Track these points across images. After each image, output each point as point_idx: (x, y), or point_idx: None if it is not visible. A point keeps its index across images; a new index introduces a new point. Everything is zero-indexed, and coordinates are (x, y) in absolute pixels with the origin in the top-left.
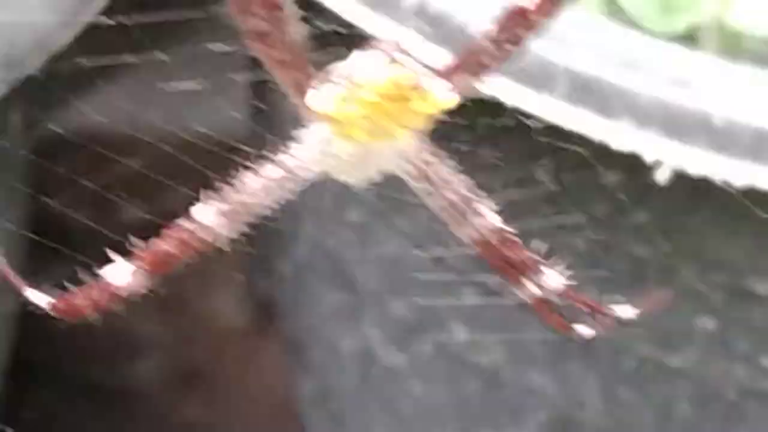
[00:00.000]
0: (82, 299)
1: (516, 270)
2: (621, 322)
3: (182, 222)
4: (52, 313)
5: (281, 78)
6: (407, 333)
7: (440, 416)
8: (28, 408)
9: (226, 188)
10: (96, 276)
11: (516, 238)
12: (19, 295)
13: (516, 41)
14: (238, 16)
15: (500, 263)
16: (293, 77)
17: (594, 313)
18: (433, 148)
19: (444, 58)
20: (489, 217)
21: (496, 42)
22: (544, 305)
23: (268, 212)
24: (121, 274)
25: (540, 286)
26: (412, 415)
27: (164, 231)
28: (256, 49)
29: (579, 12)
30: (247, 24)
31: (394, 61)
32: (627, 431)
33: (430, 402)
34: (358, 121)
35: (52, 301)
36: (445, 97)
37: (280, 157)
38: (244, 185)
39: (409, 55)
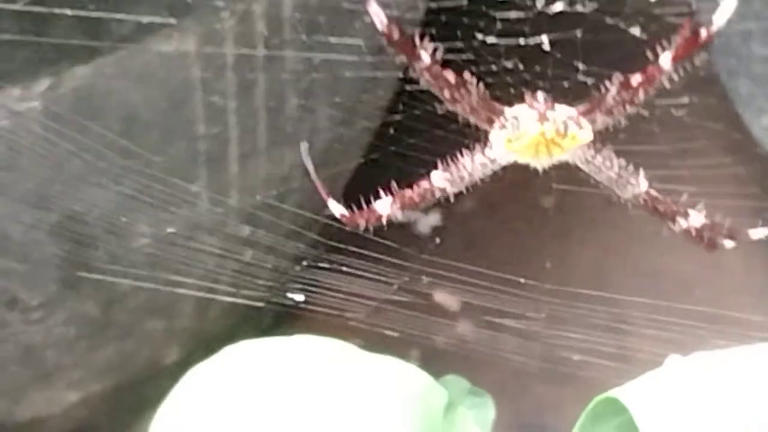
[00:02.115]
0: (359, 217)
1: (667, 215)
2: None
3: (423, 181)
4: (342, 220)
5: (473, 118)
6: None
7: None
8: None
9: (453, 164)
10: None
11: (661, 196)
12: (323, 203)
13: (632, 101)
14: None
15: (656, 213)
16: (480, 119)
17: (732, 234)
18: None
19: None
20: (642, 185)
21: (618, 97)
22: (692, 234)
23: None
24: (384, 205)
25: (687, 224)
26: None
27: (414, 184)
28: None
29: None
30: (441, 94)
31: (544, 116)
32: None
33: None
34: (524, 150)
35: (345, 213)
36: (583, 135)
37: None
38: (463, 164)
39: (553, 108)
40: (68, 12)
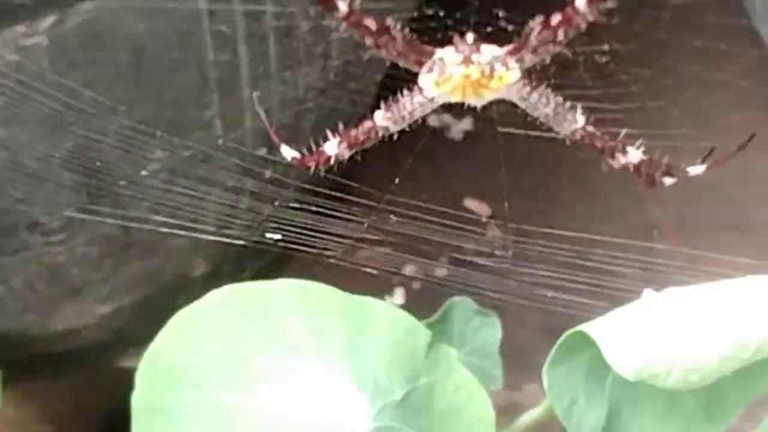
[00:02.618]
0: (309, 159)
1: (606, 151)
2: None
3: (368, 120)
4: (292, 162)
5: (401, 61)
6: None
7: None
8: None
9: (393, 104)
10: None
11: (599, 133)
12: (276, 148)
13: (554, 37)
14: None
15: (594, 148)
16: (408, 62)
17: (670, 171)
18: (524, 82)
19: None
20: (579, 121)
21: (542, 35)
22: (630, 170)
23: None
24: (331, 146)
25: (626, 159)
26: None
27: (359, 124)
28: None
29: None
30: (366, 40)
31: (468, 59)
32: None
33: None
34: (452, 91)
35: (296, 156)
36: (509, 75)
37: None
38: (403, 104)
39: (478, 50)
40: None
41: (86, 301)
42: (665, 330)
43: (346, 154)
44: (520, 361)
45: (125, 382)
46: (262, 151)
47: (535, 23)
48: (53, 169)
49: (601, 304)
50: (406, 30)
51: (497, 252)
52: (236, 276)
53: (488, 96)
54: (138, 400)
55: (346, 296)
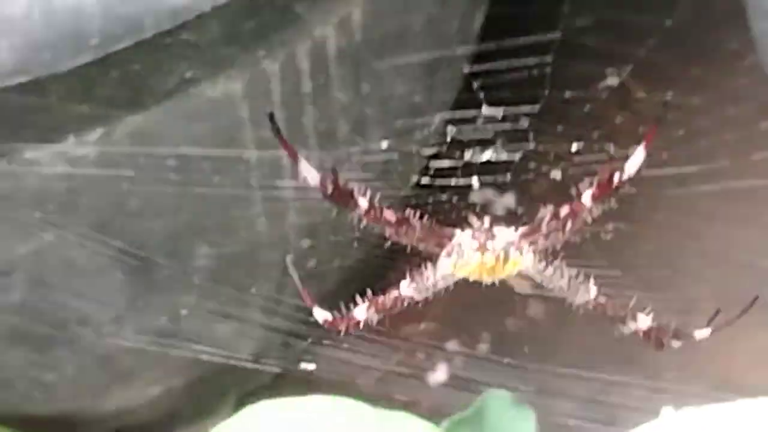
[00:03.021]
0: (340, 322)
1: (617, 319)
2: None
3: (394, 289)
4: (325, 326)
5: (421, 246)
6: None
7: None
8: None
9: (418, 276)
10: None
11: (611, 302)
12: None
13: (563, 227)
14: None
15: (606, 316)
16: (429, 246)
17: (677, 335)
18: (540, 259)
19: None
20: (592, 293)
21: (551, 226)
22: (640, 335)
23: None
24: (361, 312)
25: (636, 326)
26: None
27: (386, 291)
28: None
29: None
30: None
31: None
32: None
33: None
34: (470, 273)
35: (328, 318)
36: (523, 261)
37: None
38: (427, 276)
39: (493, 237)
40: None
41: (136, 384)
42: None
43: (375, 320)
44: None
45: None
46: (306, 243)
47: (546, 212)
48: (103, 267)
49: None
50: (425, 218)
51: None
52: (282, 358)
53: (505, 275)
54: None
55: (375, 412)
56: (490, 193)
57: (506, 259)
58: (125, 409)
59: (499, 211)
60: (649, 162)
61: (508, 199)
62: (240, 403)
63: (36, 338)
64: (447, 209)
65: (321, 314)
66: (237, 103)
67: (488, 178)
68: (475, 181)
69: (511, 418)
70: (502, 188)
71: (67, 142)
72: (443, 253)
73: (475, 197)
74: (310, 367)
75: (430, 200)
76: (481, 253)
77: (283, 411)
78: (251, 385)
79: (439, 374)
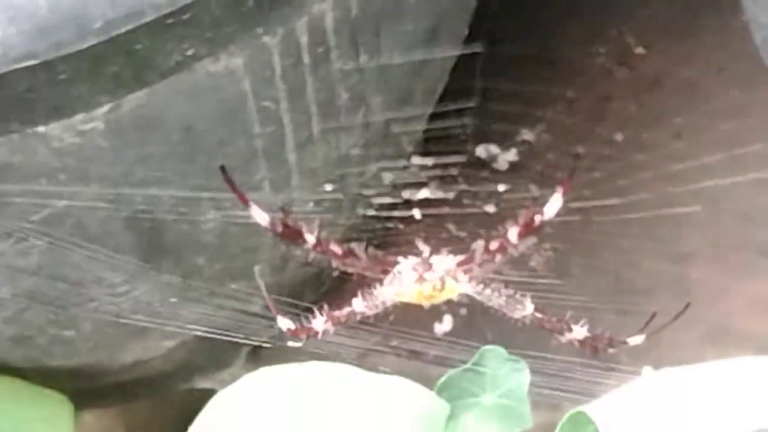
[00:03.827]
0: (301, 332)
1: (555, 330)
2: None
3: (348, 307)
4: (288, 333)
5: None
6: None
7: None
8: None
9: (369, 296)
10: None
11: (546, 316)
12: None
13: (493, 258)
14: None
15: (544, 328)
16: (374, 273)
17: (612, 344)
18: (478, 282)
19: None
20: (528, 309)
21: (483, 257)
22: (576, 345)
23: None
24: (319, 324)
25: (573, 336)
26: None
27: (339, 308)
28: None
29: None
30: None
31: (422, 278)
32: None
33: None
34: (410, 299)
35: (291, 327)
36: (459, 288)
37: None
38: (377, 296)
39: (431, 268)
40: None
41: (151, 338)
42: (659, 410)
43: (331, 331)
44: None
45: (196, 400)
46: (309, 206)
47: (478, 246)
48: (114, 232)
49: None
50: (370, 248)
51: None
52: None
53: (444, 298)
54: None
55: (371, 376)
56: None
57: (443, 287)
58: (142, 361)
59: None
60: (575, 196)
61: None
62: (253, 355)
63: (54, 298)
64: (394, 234)
65: (284, 323)
66: (239, 77)
67: (428, 211)
68: (416, 212)
69: (507, 372)
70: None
71: (76, 117)
72: (386, 281)
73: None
74: (297, 344)
75: (378, 226)
76: (420, 283)
77: (281, 377)
78: (264, 337)
79: (445, 326)
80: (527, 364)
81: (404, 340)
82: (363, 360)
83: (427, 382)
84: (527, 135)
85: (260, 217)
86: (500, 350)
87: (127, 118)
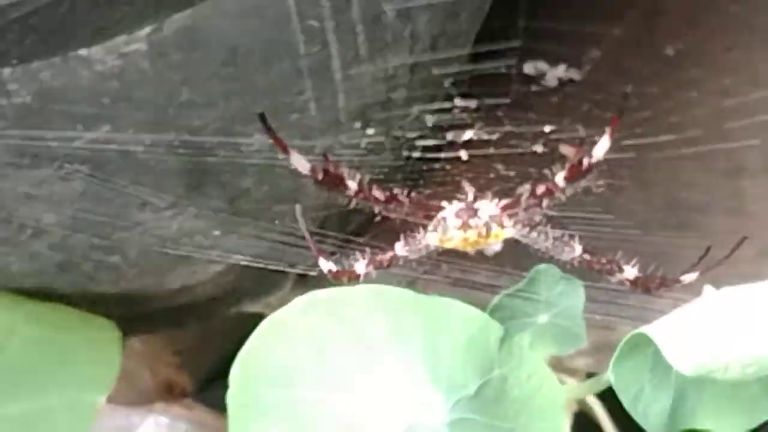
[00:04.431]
0: (342, 275)
1: (604, 272)
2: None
3: (390, 251)
4: (329, 276)
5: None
6: None
7: None
8: None
9: (411, 240)
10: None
11: (596, 257)
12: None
13: (540, 203)
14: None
15: (593, 270)
16: (418, 219)
17: (665, 283)
18: (524, 225)
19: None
20: (576, 250)
21: (529, 202)
22: (627, 285)
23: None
24: (361, 267)
25: (623, 276)
26: None
27: (385, 251)
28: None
29: None
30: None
31: (466, 224)
32: None
33: None
34: (455, 246)
35: (332, 269)
36: (504, 233)
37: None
38: (419, 241)
39: (476, 214)
40: None
41: (198, 263)
42: (721, 328)
43: (373, 275)
44: None
45: (245, 324)
46: (357, 125)
47: (524, 189)
48: (159, 157)
49: None
50: (413, 193)
51: None
52: (342, 230)
53: (488, 245)
54: (233, 400)
55: (422, 298)
56: None
57: (488, 234)
58: (189, 286)
59: None
60: (627, 134)
61: None
62: (301, 278)
63: (98, 224)
64: (441, 176)
65: (326, 265)
66: None
67: (474, 152)
68: (462, 153)
69: (561, 291)
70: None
71: (118, 39)
72: (430, 227)
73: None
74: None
75: (424, 168)
76: (464, 230)
77: (332, 300)
78: (310, 261)
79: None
80: None
81: (453, 268)
82: (412, 287)
83: (479, 307)
84: (573, 74)
85: (300, 164)
86: (554, 269)
87: (170, 40)
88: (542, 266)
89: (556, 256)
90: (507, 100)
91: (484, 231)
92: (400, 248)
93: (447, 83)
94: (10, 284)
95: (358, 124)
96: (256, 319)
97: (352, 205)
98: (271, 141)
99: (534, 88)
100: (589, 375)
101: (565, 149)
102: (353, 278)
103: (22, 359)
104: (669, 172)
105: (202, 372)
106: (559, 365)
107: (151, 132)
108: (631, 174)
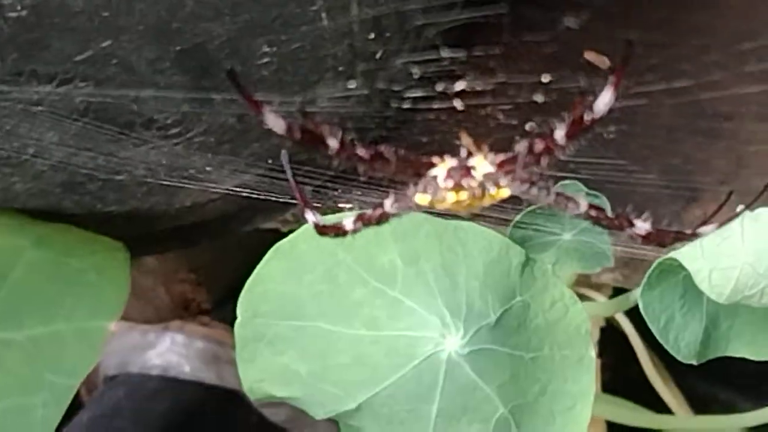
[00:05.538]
0: (330, 229)
1: (614, 226)
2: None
3: (379, 207)
4: (314, 229)
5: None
6: None
7: None
8: None
9: (402, 196)
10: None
11: (603, 212)
12: (302, 212)
13: (538, 162)
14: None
15: (601, 225)
16: (406, 177)
17: (679, 236)
18: (522, 182)
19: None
20: (582, 205)
21: (528, 160)
22: (641, 240)
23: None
24: (348, 223)
25: (635, 231)
26: None
27: (373, 208)
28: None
29: None
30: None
31: (459, 185)
32: None
33: None
34: (446, 207)
35: (318, 222)
36: (501, 193)
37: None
38: (410, 198)
39: (469, 174)
40: None
41: (208, 180)
42: (755, 253)
43: (360, 230)
44: None
45: (263, 241)
46: (371, 36)
47: (522, 146)
48: (163, 71)
49: None
50: (400, 150)
51: None
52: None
53: (483, 206)
54: (241, 329)
55: (435, 221)
56: None
57: (483, 195)
58: (200, 204)
59: None
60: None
61: None
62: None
63: (103, 141)
64: (436, 126)
65: (312, 217)
66: None
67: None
68: (457, 103)
69: None
70: None
71: None
72: (419, 187)
73: None
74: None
75: (418, 118)
76: (456, 192)
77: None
78: (324, 178)
79: None
80: None
81: None
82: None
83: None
84: (570, 22)
85: (275, 123)
86: (578, 184)
87: None
88: (567, 181)
89: (560, 210)
90: (498, 51)
91: (478, 192)
92: (389, 205)
93: (433, 33)
94: (14, 204)
95: (372, 35)
96: (272, 235)
97: (334, 164)
98: (279, 47)
99: (527, 37)
100: (617, 290)
101: (591, 56)
102: (340, 233)
103: (29, 283)
104: (684, 130)
105: (220, 289)
106: (585, 281)
107: (155, 46)
108: (643, 121)
